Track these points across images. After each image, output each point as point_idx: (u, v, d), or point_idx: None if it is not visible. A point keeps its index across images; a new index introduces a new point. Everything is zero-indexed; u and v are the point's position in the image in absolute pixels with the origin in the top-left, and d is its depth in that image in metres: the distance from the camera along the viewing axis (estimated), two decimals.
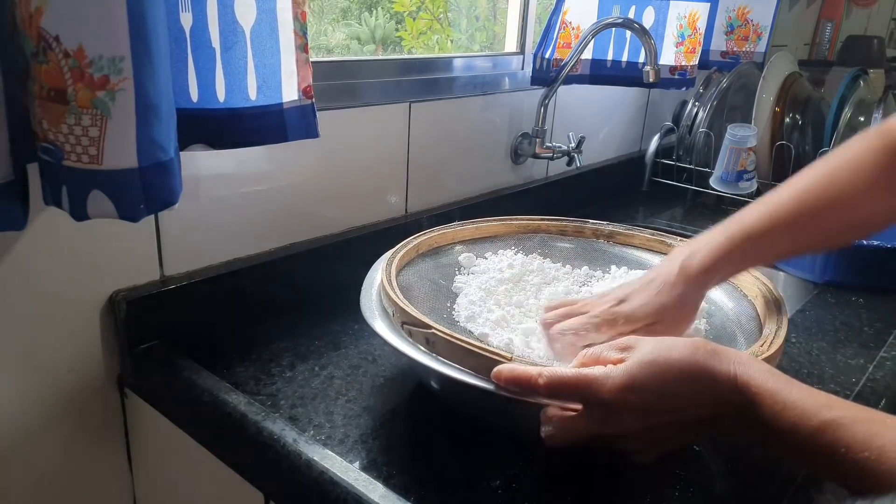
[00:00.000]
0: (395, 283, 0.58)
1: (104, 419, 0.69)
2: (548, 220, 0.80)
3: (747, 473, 0.54)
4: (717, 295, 0.68)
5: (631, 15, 1.12)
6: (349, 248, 0.83)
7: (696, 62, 1.19)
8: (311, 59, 0.61)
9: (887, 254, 0.90)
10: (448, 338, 0.49)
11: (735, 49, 1.41)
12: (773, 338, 0.54)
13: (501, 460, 0.53)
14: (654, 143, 1.38)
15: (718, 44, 1.41)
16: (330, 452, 0.53)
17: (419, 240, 0.70)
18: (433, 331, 0.50)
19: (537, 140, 1.07)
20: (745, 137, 1.18)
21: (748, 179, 1.21)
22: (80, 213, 0.49)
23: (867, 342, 0.77)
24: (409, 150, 0.91)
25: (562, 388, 0.45)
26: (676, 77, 1.16)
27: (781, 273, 0.98)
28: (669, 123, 1.41)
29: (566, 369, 0.46)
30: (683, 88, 1.20)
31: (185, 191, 0.57)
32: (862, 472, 0.38)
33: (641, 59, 1.11)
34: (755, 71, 1.35)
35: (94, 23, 0.44)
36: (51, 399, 0.64)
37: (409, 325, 0.53)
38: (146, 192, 0.50)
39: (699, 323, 0.64)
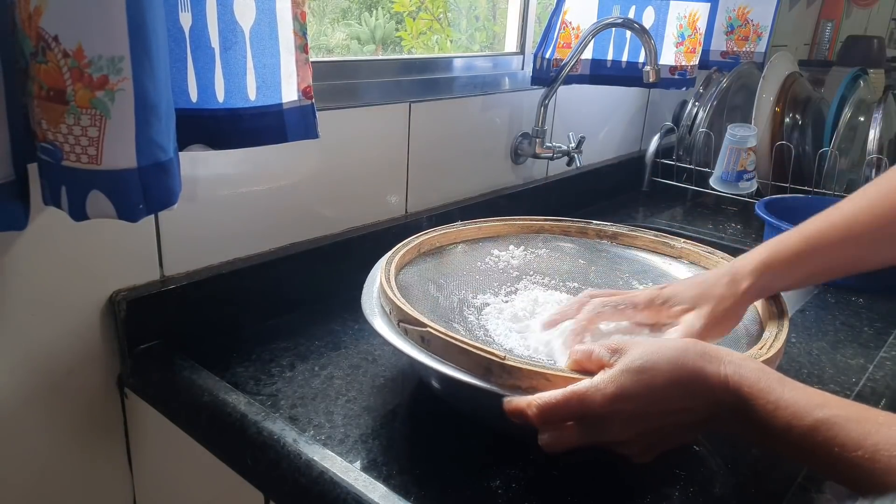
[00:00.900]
0: (393, 282, 0.58)
1: (104, 419, 0.69)
2: (551, 220, 0.80)
3: (747, 473, 0.54)
4: None
5: (631, 15, 1.12)
6: (349, 248, 0.83)
7: (696, 62, 1.19)
8: (310, 59, 0.61)
9: None
10: (443, 336, 0.49)
11: (735, 49, 1.41)
12: (773, 341, 0.54)
13: (501, 460, 0.53)
14: (654, 143, 1.38)
15: (718, 44, 1.41)
16: (330, 452, 0.53)
17: (420, 239, 0.70)
18: (428, 329, 0.50)
19: (537, 140, 1.07)
20: (745, 137, 1.18)
21: (748, 179, 1.21)
22: (79, 214, 0.49)
23: (867, 342, 0.77)
24: (409, 150, 0.91)
25: (554, 413, 0.45)
26: (676, 77, 1.16)
27: None
28: (669, 123, 1.41)
29: (554, 392, 0.45)
30: (683, 88, 1.20)
31: (185, 191, 0.57)
32: (856, 471, 0.38)
33: (641, 59, 1.11)
34: (755, 71, 1.35)
35: (94, 22, 0.44)
36: (51, 399, 0.64)
37: (405, 324, 0.53)
38: (145, 192, 0.50)
39: None
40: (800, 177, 1.23)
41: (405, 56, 1.06)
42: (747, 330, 0.62)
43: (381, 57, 1.01)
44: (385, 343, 0.54)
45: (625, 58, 1.13)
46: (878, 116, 1.14)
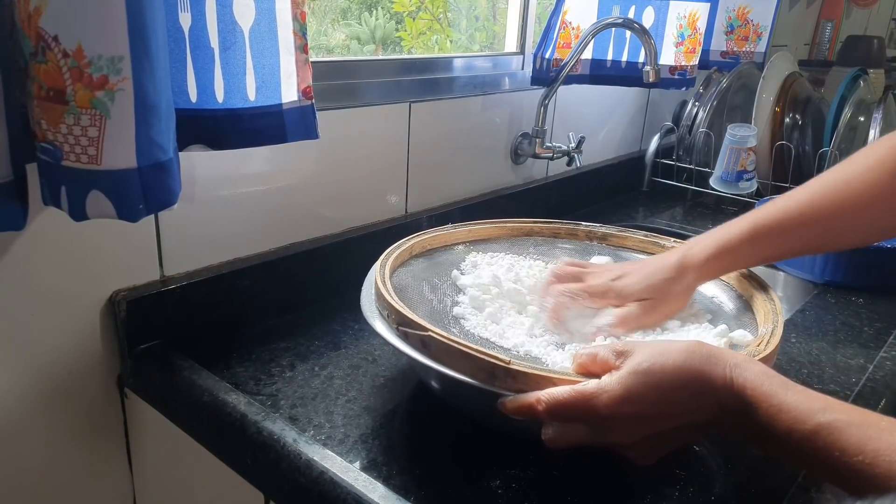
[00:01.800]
0: (389, 286, 0.58)
1: (104, 419, 0.69)
2: (541, 223, 0.80)
3: (747, 473, 0.54)
4: (715, 294, 0.69)
5: (631, 15, 1.12)
6: (349, 248, 0.83)
7: (696, 62, 1.19)
8: (310, 60, 0.61)
9: (887, 254, 0.90)
10: (445, 340, 0.49)
11: (735, 49, 1.41)
12: (770, 336, 0.54)
13: (501, 460, 0.53)
14: (654, 143, 1.38)
15: (718, 44, 1.41)
16: (330, 452, 0.53)
17: (412, 242, 0.70)
18: (430, 333, 0.50)
19: (537, 140, 1.07)
20: (745, 137, 1.18)
21: (748, 179, 1.21)
22: (79, 214, 0.49)
23: (867, 342, 0.77)
24: (409, 150, 0.91)
25: (560, 410, 0.45)
26: (676, 77, 1.16)
27: (781, 273, 0.98)
28: (669, 123, 1.41)
29: (562, 389, 0.46)
30: (683, 88, 1.20)
31: (185, 191, 0.57)
32: (857, 476, 0.38)
33: (641, 59, 1.11)
34: (755, 71, 1.35)
35: (93, 22, 0.44)
36: (51, 399, 0.64)
37: (404, 328, 0.53)
38: (145, 192, 0.50)
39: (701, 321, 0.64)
40: (800, 177, 1.23)
41: (405, 56, 1.06)
42: (744, 326, 0.62)
43: (381, 57, 1.01)
44: (386, 343, 0.54)
45: (625, 58, 1.13)
46: (878, 116, 1.14)
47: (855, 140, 1.21)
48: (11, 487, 0.63)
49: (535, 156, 1.09)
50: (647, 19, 1.13)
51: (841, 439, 0.39)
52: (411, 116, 0.90)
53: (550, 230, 0.80)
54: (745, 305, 0.65)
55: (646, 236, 0.77)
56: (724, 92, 1.34)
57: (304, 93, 0.61)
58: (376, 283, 0.58)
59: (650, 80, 0.99)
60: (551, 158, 1.12)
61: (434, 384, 0.58)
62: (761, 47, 1.40)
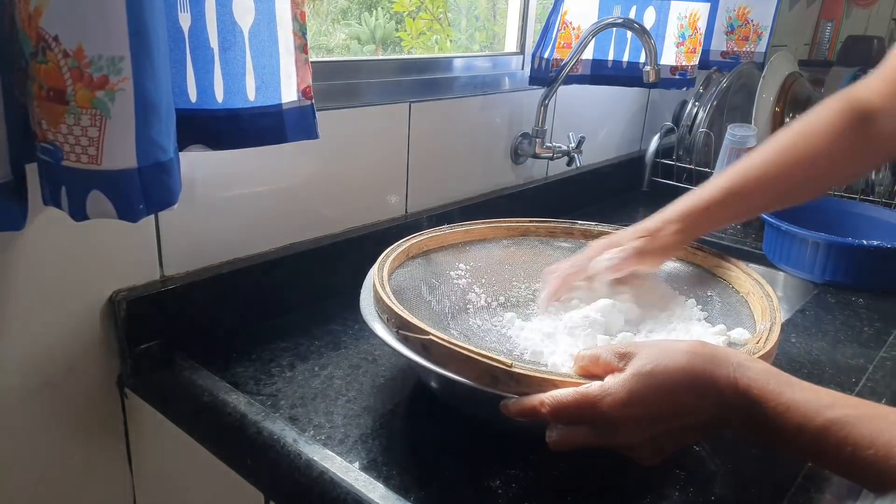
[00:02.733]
0: (388, 289, 0.58)
1: (104, 419, 0.69)
2: (537, 222, 0.80)
3: (747, 473, 0.54)
4: (711, 291, 0.69)
5: (631, 15, 1.12)
6: (349, 248, 0.83)
7: (697, 62, 1.19)
8: (310, 60, 0.61)
9: (887, 254, 0.90)
10: (446, 344, 0.49)
11: (735, 49, 1.41)
12: (769, 333, 0.54)
13: (501, 460, 0.53)
14: (654, 143, 1.38)
15: (719, 44, 1.41)
16: (330, 452, 0.53)
17: (409, 243, 0.70)
18: (430, 337, 0.50)
19: (537, 140, 1.07)
20: (745, 137, 1.18)
21: None
22: (79, 214, 0.49)
23: (867, 342, 0.77)
24: (409, 150, 0.91)
25: (564, 412, 0.45)
26: (676, 77, 1.16)
27: (781, 273, 0.98)
28: (669, 123, 1.41)
29: (566, 391, 0.46)
30: (683, 88, 1.20)
31: (185, 191, 0.57)
32: (871, 469, 0.38)
33: (642, 59, 1.11)
34: (755, 71, 1.35)
35: (94, 22, 0.44)
36: (51, 399, 0.64)
37: (404, 332, 0.53)
38: (145, 192, 0.49)
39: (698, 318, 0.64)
40: None
41: (405, 56, 1.06)
42: (743, 324, 0.62)
43: (381, 57, 1.01)
44: (386, 344, 0.54)
45: (625, 58, 1.13)
46: None
47: None
48: (11, 487, 0.63)
49: (535, 156, 1.09)
50: (649, 19, 1.13)
51: (852, 434, 0.38)
52: (411, 116, 0.90)
53: (547, 230, 0.80)
54: (742, 302, 0.65)
55: None
56: (724, 92, 1.34)
57: (304, 93, 0.61)
58: (375, 286, 0.58)
59: (650, 80, 0.99)
60: (551, 158, 1.12)
61: (435, 386, 0.58)
62: (761, 47, 1.40)
